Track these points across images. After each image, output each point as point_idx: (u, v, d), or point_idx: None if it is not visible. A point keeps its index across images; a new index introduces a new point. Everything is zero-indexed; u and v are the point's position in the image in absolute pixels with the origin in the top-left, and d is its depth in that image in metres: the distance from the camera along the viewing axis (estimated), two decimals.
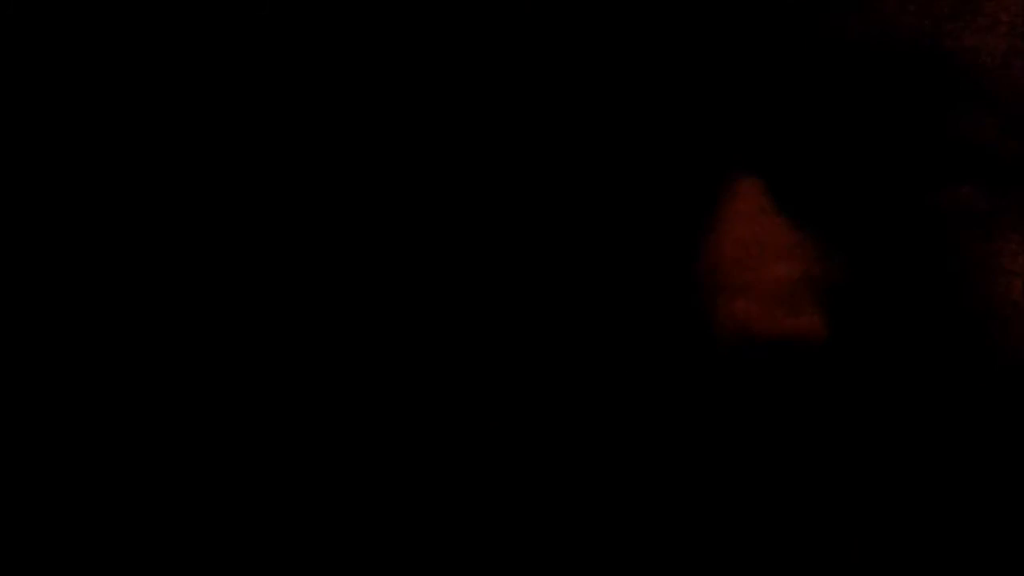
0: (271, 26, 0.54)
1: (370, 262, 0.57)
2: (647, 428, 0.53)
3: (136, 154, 0.58)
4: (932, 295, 0.48)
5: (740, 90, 0.49)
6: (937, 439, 0.48)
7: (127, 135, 0.58)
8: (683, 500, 0.52)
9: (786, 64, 0.49)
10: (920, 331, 0.48)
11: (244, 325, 0.53)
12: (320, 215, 0.55)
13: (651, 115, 0.51)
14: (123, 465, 0.58)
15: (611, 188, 0.54)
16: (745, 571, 0.50)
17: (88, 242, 0.59)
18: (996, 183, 0.48)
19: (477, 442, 0.58)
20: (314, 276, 0.54)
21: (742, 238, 0.48)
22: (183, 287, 0.55)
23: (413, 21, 0.57)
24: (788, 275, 0.48)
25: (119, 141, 0.58)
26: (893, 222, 0.49)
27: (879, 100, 0.48)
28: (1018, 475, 0.49)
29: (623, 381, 0.54)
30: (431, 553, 0.54)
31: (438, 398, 0.58)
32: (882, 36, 0.48)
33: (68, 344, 0.59)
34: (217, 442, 0.54)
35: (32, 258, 0.60)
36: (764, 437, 0.49)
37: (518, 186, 0.58)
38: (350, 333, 0.55)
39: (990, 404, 0.48)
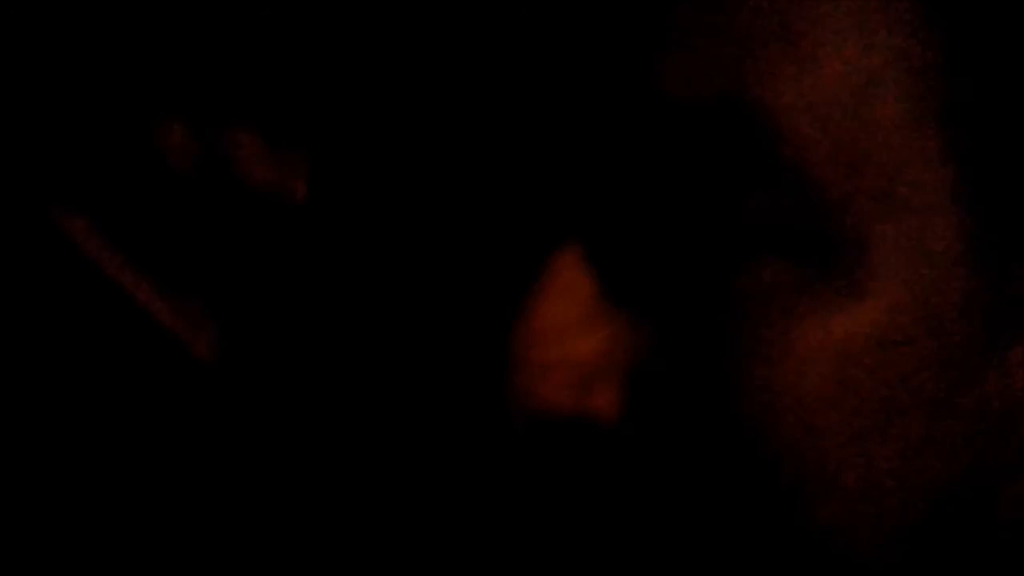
0: (271, 26, 0.54)
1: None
2: (447, 498, 0.53)
3: (136, 154, 0.58)
4: (725, 380, 0.48)
5: (561, 165, 0.51)
6: (719, 525, 0.49)
7: (127, 135, 0.58)
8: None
9: (600, 137, 0.50)
10: (711, 415, 0.49)
11: (244, 326, 0.52)
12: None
13: (480, 189, 0.52)
14: (123, 465, 0.58)
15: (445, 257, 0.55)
16: None
17: (88, 243, 0.59)
18: (801, 261, 0.49)
19: None
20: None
21: (551, 315, 0.49)
22: (183, 288, 0.54)
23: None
24: (591, 353, 0.49)
25: (119, 141, 0.58)
26: (696, 300, 0.50)
27: (685, 171, 0.49)
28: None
29: (434, 450, 0.54)
30: None
31: None
32: (690, 97, 0.49)
33: (68, 344, 0.60)
34: (217, 442, 0.53)
35: (32, 258, 0.60)
36: (554, 510, 0.50)
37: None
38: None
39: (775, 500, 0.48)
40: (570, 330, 0.49)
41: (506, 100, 0.52)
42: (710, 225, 0.49)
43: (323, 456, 0.54)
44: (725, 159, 0.48)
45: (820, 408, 0.48)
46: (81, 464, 0.59)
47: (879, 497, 0.48)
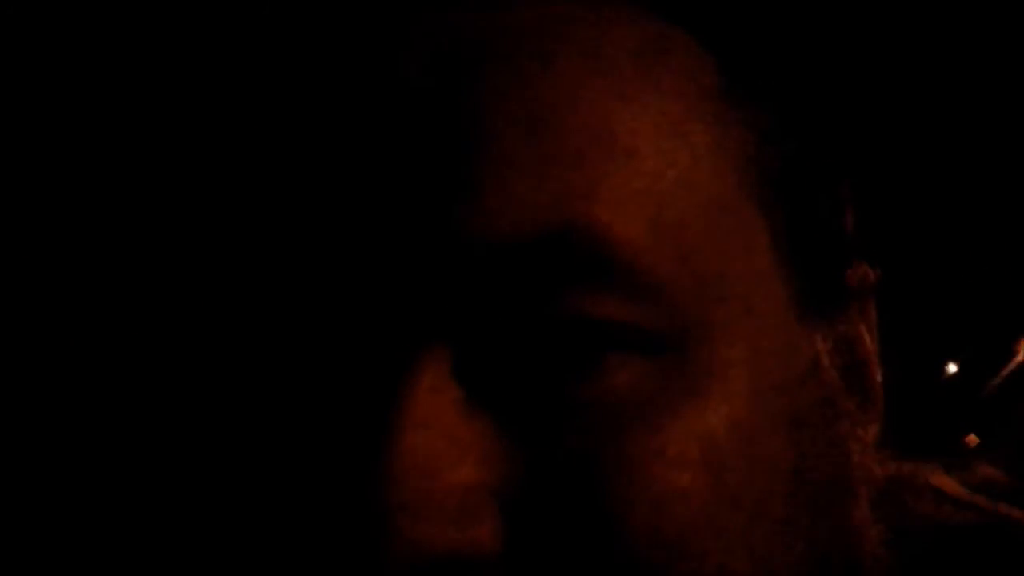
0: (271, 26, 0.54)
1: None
2: None
3: (136, 154, 0.57)
4: (598, 494, 0.47)
5: (408, 282, 0.48)
6: None
7: (127, 135, 0.58)
8: None
9: (429, 260, 0.48)
10: (590, 534, 0.47)
11: (245, 327, 0.51)
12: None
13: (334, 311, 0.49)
14: (122, 465, 0.57)
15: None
16: None
17: (88, 244, 0.59)
18: (654, 359, 0.48)
19: None
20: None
21: (416, 449, 0.46)
22: (183, 287, 0.54)
23: None
24: (461, 484, 0.46)
25: (119, 141, 0.58)
26: (557, 413, 0.48)
27: (519, 286, 0.48)
28: None
29: None
30: None
31: None
32: (508, 225, 0.48)
33: (67, 344, 0.59)
34: (216, 442, 0.52)
35: (32, 259, 0.60)
36: None
37: None
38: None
39: None
40: (438, 462, 0.46)
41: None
42: (556, 331, 0.48)
43: None
44: (551, 271, 0.48)
45: (698, 505, 0.47)
46: (81, 464, 0.59)
47: (779, 571, 0.49)
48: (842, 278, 0.57)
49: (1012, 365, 1.57)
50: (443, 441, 0.47)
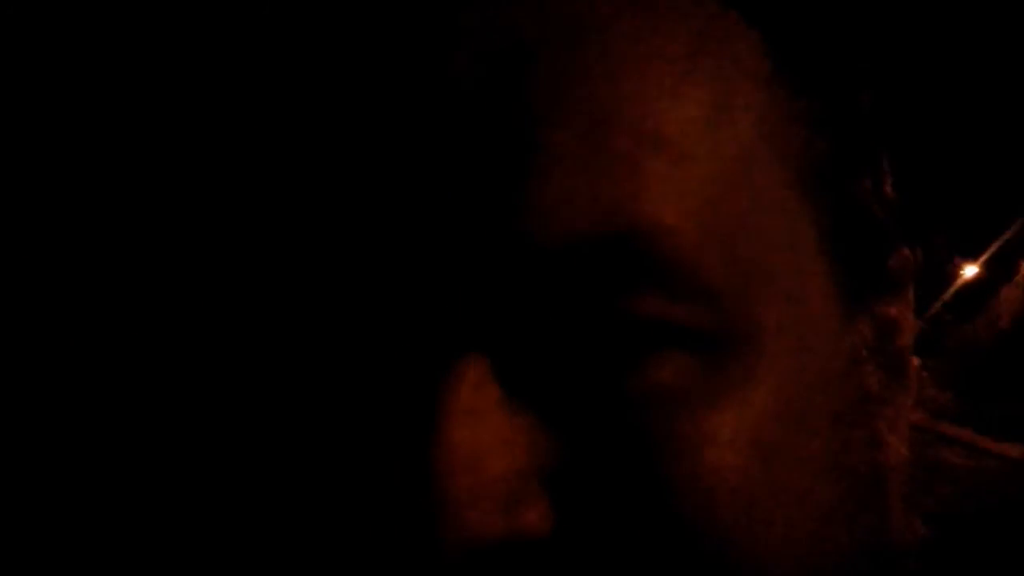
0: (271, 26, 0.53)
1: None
2: None
3: (136, 155, 0.56)
4: (648, 476, 0.48)
5: (454, 284, 0.48)
6: None
7: (127, 135, 0.57)
8: None
9: (486, 263, 0.48)
10: (641, 515, 0.48)
11: (245, 327, 0.51)
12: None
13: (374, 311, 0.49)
14: (122, 465, 0.57)
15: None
16: None
17: (87, 243, 0.59)
18: (704, 354, 0.49)
19: None
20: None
21: (463, 442, 0.47)
22: (184, 288, 0.54)
23: None
24: (509, 471, 0.47)
25: (119, 141, 0.57)
26: (606, 403, 0.48)
27: (574, 287, 0.48)
28: None
29: None
30: None
31: None
32: (566, 228, 0.48)
33: (68, 344, 0.59)
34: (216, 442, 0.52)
35: (32, 259, 0.60)
36: None
37: None
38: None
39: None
40: (484, 453, 0.47)
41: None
42: (605, 328, 0.48)
43: None
44: (608, 272, 0.48)
45: (748, 489, 0.48)
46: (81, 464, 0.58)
47: (821, 562, 0.50)
48: (884, 264, 0.57)
49: (954, 287, 1.59)
50: (488, 433, 0.47)
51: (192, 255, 0.53)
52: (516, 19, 0.49)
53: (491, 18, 0.49)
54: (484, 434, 0.47)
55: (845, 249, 0.54)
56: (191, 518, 0.54)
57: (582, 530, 0.48)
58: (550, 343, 0.49)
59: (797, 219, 0.53)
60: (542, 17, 0.49)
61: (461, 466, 0.46)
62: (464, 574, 0.46)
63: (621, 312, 0.48)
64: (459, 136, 0.48)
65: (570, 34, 0.49)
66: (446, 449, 0.46)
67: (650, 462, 0.48)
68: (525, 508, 0.47)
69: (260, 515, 0.51)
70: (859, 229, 0.55)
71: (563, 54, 0.49)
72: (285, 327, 0.50)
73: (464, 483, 0.46)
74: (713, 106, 0.51)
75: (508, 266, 0.48)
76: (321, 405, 0.50)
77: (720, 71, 0.51)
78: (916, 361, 0.58)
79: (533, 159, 0.48)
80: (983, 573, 0.61)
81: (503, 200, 0.48)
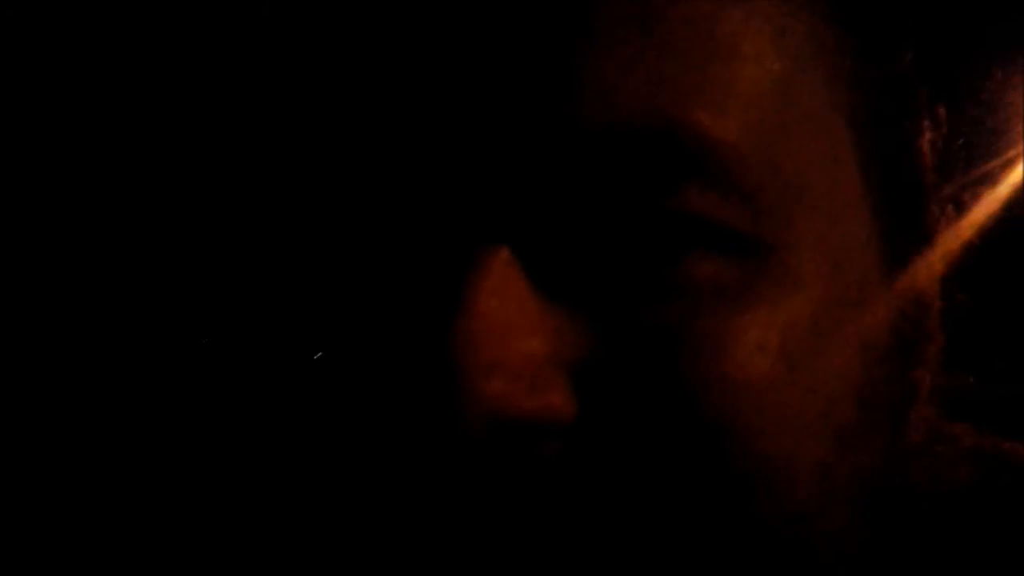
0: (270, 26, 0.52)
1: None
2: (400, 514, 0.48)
3: (136, 155, 0.56)
4: (677, 370, 0.47)
5: (489, 168, 0.47)
6: (681, 519, 0.47)
7: (127, 135, 0.56)
8: None
9: (529, 145, 0.47)
10: (666, 408, 0.47)
11: (245, 327, 0.51)
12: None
13: (402, 189, 0.48)
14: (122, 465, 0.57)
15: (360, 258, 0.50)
16: None
17: (88, 243, 0.58)
18: (740, 258, 0.48)
19: None
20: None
21: (490, 314, 0.46)
22: (183, 288, 0.54)
23: None
24: (535, 352, 0.47)
25: (119, 141, 0.57)
26: (638, 297, 0.48)
27: (618, 177, 0.47)
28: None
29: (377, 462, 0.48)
30: None
31: None
32: (617, 116, 0.47)
33: (67, 344, 0.58)
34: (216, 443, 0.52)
35: (32, 258, 0.59)
36: (513, 515, 0.46)
37: None
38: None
39: (733, 480, 0.47)
40: (511, 328, 0.46)
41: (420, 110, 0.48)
42: (645, 221, 0.48)
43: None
44: (655, 165, 0.47)
45: (772, 393, 0.48)
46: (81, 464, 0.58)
47: (828, 485, 0.49)
48: (922, 218, 0.56)
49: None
50: (515, 310, 0.47)
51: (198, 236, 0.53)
52: None
53: None
54: (511, 310, 0.46)
55: (883, 188, 0.54)
56: (194, 503, 0.53)
57: (604, 421, 0.47)
58: (584, 234, 0.48)
59: (841, 145, 0.52)
60: None
61: (486, 337, 0.45)
62: (481, 451, 0.45)
63: (662, 207, 0.48)
64: (511, 23, 0.48)
65: None
66: (471, 319, 0.46)
67: (678, 358, 0.47)
68: (550, 390, 0.47)
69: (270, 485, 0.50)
70: (898, 173, 0.55)
71: None
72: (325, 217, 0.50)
73: (489, 354, 0.45)
74: (766, 16, 0.50)
75: (552, 149, 0.47)
76: (358, 288, 0.49)
77: None
78: (941, 329, 0.57)
79: (587, 41, 0.48)
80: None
81: (553, 80, 0.47)
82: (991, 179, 0.61)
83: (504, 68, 0.48)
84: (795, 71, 0.51)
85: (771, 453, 0.48)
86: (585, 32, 0.48)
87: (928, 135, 0.57)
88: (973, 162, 0.61)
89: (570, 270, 0.48)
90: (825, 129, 0.52)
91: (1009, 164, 0.62)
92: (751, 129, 0.49)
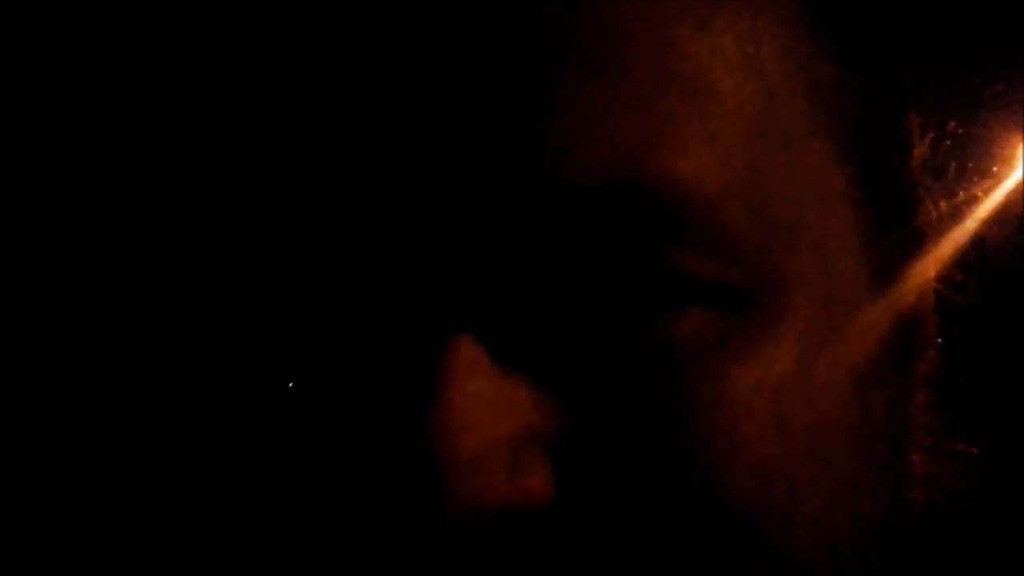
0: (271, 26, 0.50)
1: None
2: None
3: (136, 154, 0.55)
4: (659, 437, 0.45)
5: (450, 240, 0.45)
6: None
7: (127, 135, 0.55)
8: None
9: (492, 209, 0.45)
10: (649, 477, 0.45)
11: (245, 326, 0.50)
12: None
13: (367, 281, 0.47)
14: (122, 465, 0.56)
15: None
16: None
17: (88, 243, 0.57)
18: (723, 310, 0.46)
19: None
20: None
21: (463, 407, 0.44)
22: (183, 288, 0.53)
23: None
24: (512, 434, 0.45)
25: (119, 141, 0.56)
26: (615, 362, 0.46)
27: (588, 238, 0.45)
28: None
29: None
30: None
31: None
32: (581, 173, 0.44)
33: (67, 344, 0.58)
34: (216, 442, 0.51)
35: (32, 258, 0.58)
36: None
37: None
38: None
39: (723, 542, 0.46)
40: (484, 417, 0.45)
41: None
42: (619, 283, 0.45)
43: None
44: (626, 223, 0.45)
45: (763, 449, 0.46)
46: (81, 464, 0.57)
47: (830, 537, 0.48)
48: (912, 224, 0.54)
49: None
50: (487, 398, 0.45)
51: (190, 249, 0.52)
52: None
53: None
54: (483, 399, 0.45)
55: (873, 202, 0.51)
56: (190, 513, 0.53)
57: (585, 497, 0.45)
58: (554, 301, 0.46)
59: (826, 169, 0.50)
60: None
61: (459, 432, 0.44)
62: (464, 542, 0.44)
63: (636, 265, 0.45)
64: (471, 74, 0.45)
65: None
66: (444, 415, 0.44)
67: (662, 423, 0.45)
68: (527, 473, 0.45)
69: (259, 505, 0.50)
70: (887, 182, 0.52)
71: None
72: (280, 314, 0.48)
73: (466, 449, 0.44)
74: (735, 41, 0.47)
75: (514, 211, 0.45)
76: (318, 389, 0.48)
77: (749, 5, 0.48)
78: (938, 338, 0.55)
79: (546, 95, 0.45)
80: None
81: (514, 140, 0.45)
82: (984, 183, 0.59)
83: (465, 130, 0.45)
84: (770, 98, 0.48)
85: (770, 515, 0.46)
86: (544, 86, 0.45)
87: (917, 140, 0.55)
88: (964, 167, 0.59)
89: (541, 342, 0.46)
90: (808, 155, 0.49)
91: (1003, 166, 0.60)
92: (727, 170, 0.46)
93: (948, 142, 0.58)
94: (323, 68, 0.48)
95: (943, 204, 0.56)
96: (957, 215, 0.57)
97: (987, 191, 0.59)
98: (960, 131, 0.59)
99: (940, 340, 0.55)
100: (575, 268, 0.45)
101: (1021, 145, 0.62)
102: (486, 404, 0.45)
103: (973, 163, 0.60)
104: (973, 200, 0.58)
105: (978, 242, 0.56)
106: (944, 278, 0.56)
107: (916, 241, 0.54)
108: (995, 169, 0.61)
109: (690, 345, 0.45)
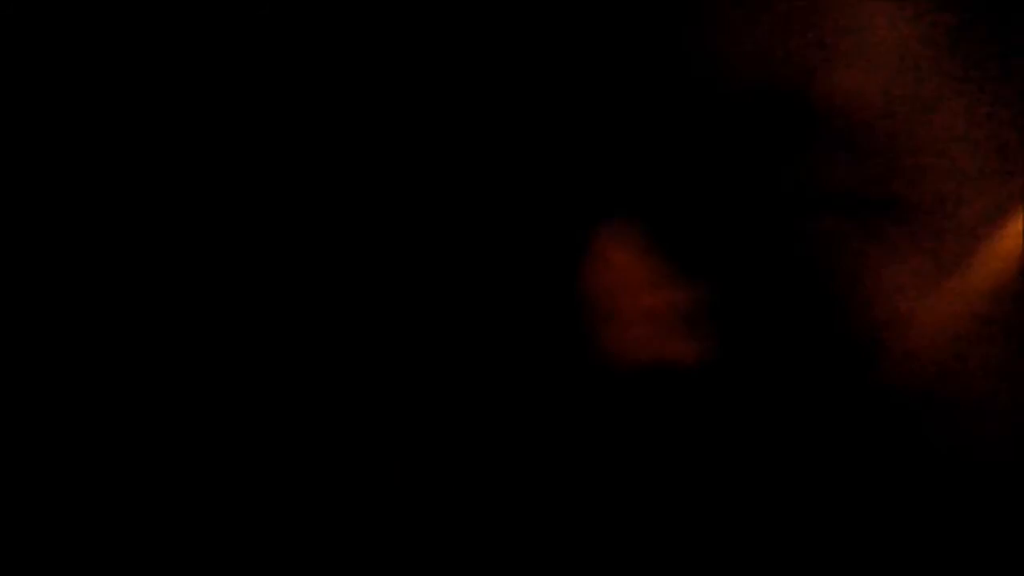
0: (271, 26, 0.51)
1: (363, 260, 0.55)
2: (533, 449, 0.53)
3: (136, 154, 0.56)
4: (803, 313, 0.49)
5: (615, 138, 0.49)
6: (813, 451, 0.50)
7: (127, 135, 0.56)
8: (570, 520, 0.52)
9: (654, 112, 0.49)
10: (793, 348, 0.49)
11: (244, 326, 0.52)
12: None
13: (533, 164, 0.51)
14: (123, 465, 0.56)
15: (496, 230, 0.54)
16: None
17: (88, 242, 0.58)
18: (860, 219, 0.49)
19: None
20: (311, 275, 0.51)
21: (619, 275, 0.48)
22: (183, 288, 0.54)
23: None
24: (663, 306, 0.49)
25: (119, 141, 0.57)
26: (761, 249, 0.49)
27: (744, 141, 0.49)
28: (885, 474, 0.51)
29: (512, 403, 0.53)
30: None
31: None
32: (747, 80, 0.48)
33: (68, 344, 0.58)
34: (216, 442, 0.52)
35: (32, 258, 0.59)
36: (650, 454, 0.49)
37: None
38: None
39: (863, 410, 0.49)
40: (640, 287, 0.48)
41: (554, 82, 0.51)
42: (770, 183, 0.49)
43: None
44: (782, 130, 0.48)
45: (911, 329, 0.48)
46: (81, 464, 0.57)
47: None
48: None
49: None
50: (642, 271, 0.49)
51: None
52: None
53: None
54: (636, 274, 0.49)
55: (1003, 142, 0.53)
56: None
57: (735, 363, 0.49)
58: (706, 194, 0.49)
59: (967, 112, 0.52)
60: None
61: (617, 293, 0.48)
62: (617, 390, 0.48)
63: (791, 169, 0.48)
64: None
65: None
66: (602, 278, 0.48)
67: (813, 303, 0.49)
68: (675, 340, 0.49)
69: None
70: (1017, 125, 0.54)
71: None
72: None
73: (621, 309, 0.48)
74: None
75: (684, 112, 0.48)
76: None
77: None
78: None
79: (712, 8, 0.48)
80: None
81: (680, 46, 0.48)
82: None
83: (632, 34, 0.49)
84: (920, 34, 0.51)
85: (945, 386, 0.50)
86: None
87: None
88: None
89: (692, 231, 0.49)
90: (949, 95, 0.51)
91: None
92: (884, 98, 0.49)
93: None
94: None
95: None
96: None
97: None
98: None
99: None
100: (728, 164, 0.49)
101: None
102: (638, 277, 0.48)
103: None
104: None
105: None
106: None
107: None
108: None
109: (835, 235, 0.48)
